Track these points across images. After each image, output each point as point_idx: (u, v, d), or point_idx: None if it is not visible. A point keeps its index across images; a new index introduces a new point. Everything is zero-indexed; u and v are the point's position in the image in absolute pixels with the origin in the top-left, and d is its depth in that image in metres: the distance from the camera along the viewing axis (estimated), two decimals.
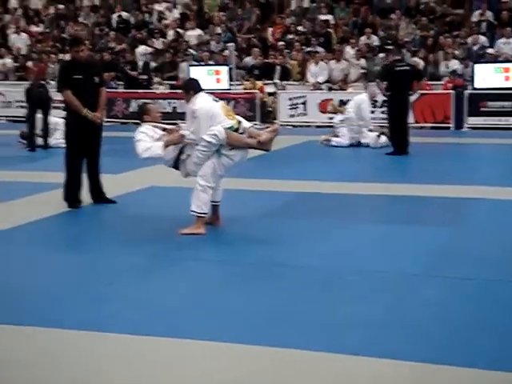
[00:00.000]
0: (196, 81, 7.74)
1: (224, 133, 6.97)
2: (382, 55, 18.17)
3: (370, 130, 14.28)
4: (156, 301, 5.22)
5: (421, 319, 4.78)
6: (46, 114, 14.31)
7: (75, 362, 4.15)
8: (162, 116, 7.96)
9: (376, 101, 17.25)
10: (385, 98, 14.46)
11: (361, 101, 14.32)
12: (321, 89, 18.97)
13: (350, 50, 19.71)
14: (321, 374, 3.96)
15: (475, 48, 18.95)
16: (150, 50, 21.44)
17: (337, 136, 14.43)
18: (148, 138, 7.32)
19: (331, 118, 16.72)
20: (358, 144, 14.20)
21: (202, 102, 7.26)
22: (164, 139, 7.29)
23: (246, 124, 7.33)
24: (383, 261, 6.19)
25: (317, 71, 19.24)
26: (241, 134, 7.18)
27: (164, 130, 7.44)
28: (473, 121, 17.31)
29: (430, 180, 10.13)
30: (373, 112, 16.75)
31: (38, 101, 14.30)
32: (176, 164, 7.35)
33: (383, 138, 13.97)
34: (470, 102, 17.22)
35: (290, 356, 4.18)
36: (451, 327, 4.63)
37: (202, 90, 7.46)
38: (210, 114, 7.13)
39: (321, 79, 19.14)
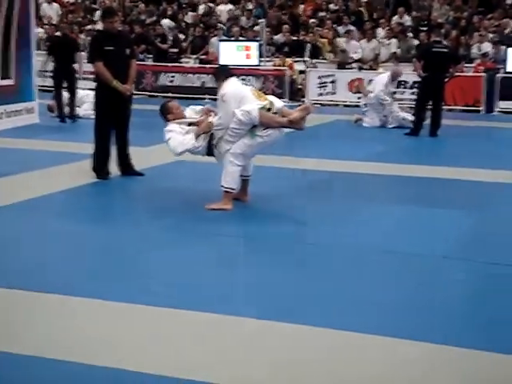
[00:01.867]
0: (226, 67, 7.76)
1: (257, 111, 6.94)
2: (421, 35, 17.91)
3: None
4: (181, 274, 5.25)
5: (447, 302, 4.77)
6: (71, 84, 14.13)
7: (104, 333, 4.19)
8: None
9: (406, 81, 17.15)
10: (416, 79, 14.35)
11: (377, 80, 14.21)
12: (360, 67, 18.78)
13: (381, 31, 19.53)
14: (342, 351, 3.96)
15: (507, 31, 18.70)
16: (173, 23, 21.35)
17: (366, 117, 14.33)
18: (177, 135, 7.29)
19: (359, 98, 16.62)
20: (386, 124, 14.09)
21: (230, 86, 7.24)
22: (194, 130, 7.27)
23: (278, 104, 7.29)
24: (410, 242, 6.17)
25: (349, 49, 19.05)
26: (274, 113, 7.15)
27: (190, 124, 7.39)
28: (504, 105, 17.10)
29: (459, 163, 10.05)
30: (402, 93, 16.66)
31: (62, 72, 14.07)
32: (209, 151, 7.34)
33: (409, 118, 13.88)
34: (501, 85, 17.00)
35: (312, 333, 4.19)
36: (477, 310, 4.61)
37: (232, 75, 7.44)
38: (240, 97, 7.11)
39: (356, 56, 18.96)
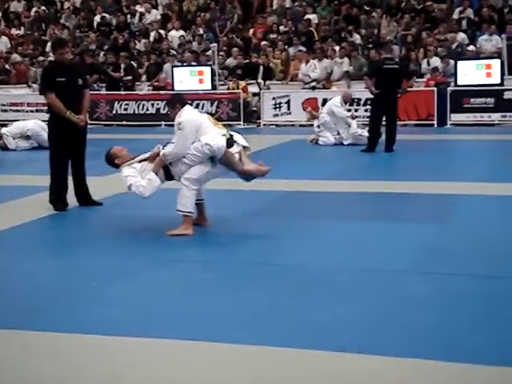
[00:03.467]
0: (180, 95, 7.77)
1: (224, 147, 6.95)
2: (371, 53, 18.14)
3: (348, 125, 14.23)
4: (145, 303, 5.20)
5: (410, 316, 4.78)
6: None
7: (63, 364, 4.13)
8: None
9: (360, 99, 17.34)
10: (369, 96, 14.51)
11: (332, 104, 14.36)
12: (313, 87, 18.91)
13: (333, 49, 19.71)
14: (309, 371, 3.96)
15: (454, 46, 19.03)
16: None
17: (321, 136, 14.45)
18: (136, 178, 7.18)
19: (310, 120, 16.80)
20: (342, 143, 14.22)
21: (187, 114, 7.23)
22: (149, 168, 7.21)
23: (238, 138, 7.30)
24: (371, 258, 6.20)
25: (307, 70, 19.19)
26: (233, 143, 7.16)
27: (141, 161, 7.33)
28: (456, 117, 17.38)
29: (416, 177, 10.17)
30: (356, 110, 16.81)
31: None
32: (168, 176, 7.28)
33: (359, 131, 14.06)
34: (452, 98, 17.30)
35: (277, 354, 4.18)
36: (440, 323, 4.64)
37: (186, 103, 7.43)
38: (197, 124, 7.12)
39: (313, 76, 19.07)
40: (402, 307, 4.98)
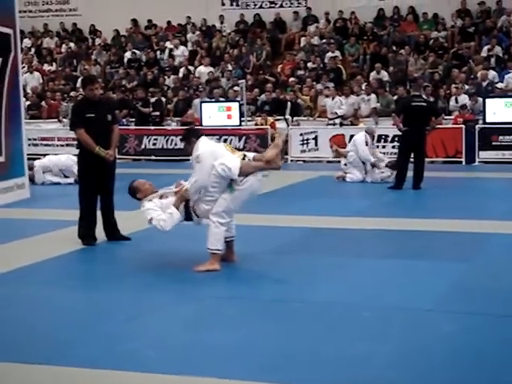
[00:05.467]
0: (194, 129, 7.80)
1: (237, 167, 6.98)
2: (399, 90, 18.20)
3: (373, 166, 14.22)
4: (173, 338, 5.23)
5: (433, 355, 4.76)
6: None
7: None
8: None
9: (387, 135, 17.36)
10: (397, 133, 14.51)
11: (356, 140, 14.38)
12: (341, 123, 18.98)
13: (359, 85, 19.81)
14: None
15: (485, 83, 19.01)
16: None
17: (349, 173, 14.45)
18: (156, 211, 7.25)
19: (337, 157, 16.85)
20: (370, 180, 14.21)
21: (204, 146, 7.26)
22: (171, 202, 7.26)
23: (250, 156, 7.36)
24: (396, 296, 6.19)
25: (333, 105, 19.28)
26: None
27: (161, 196, 7.40)
28: (484, 155, 17.30)
29: (443, 214, 10.12)
30: (384, 147, 16.83)
31: None
32: (187, 216, 7.34)
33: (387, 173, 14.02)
34: (481, 136, 17.24)
35: None
36: (464, 362, 4.61)
37: (201, 135, 7.48)
38: (215, 155, 7.14)
39: (340, 112, 19.17)
40: (425, 346, 4.95)
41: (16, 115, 7.25)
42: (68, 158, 14.95)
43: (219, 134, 17.89)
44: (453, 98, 18.72)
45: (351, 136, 17.52)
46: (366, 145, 14.14)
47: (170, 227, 7.23)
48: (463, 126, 17.46)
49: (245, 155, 7.24)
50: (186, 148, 7.58)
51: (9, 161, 7.02)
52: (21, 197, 7.90)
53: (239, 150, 7.91)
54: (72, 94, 21.95)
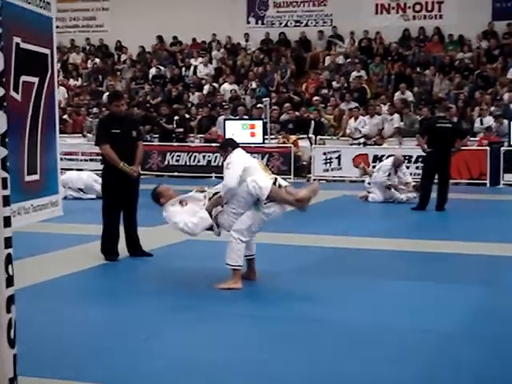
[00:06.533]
0: (232, 139, 7.89)
1: (269, 188, 6.95)
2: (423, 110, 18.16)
3: (389, 188, 14.16)
4: (194, 358, 5.19)
5: (455, 380, 4.70)
6: None
7: None
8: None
9: (411, 156, 17.31)
10: (421, 154, 14.47)
11: (382, 166, 14.44)
12: (364, 143, 18.98)
13: (380, 105, 19.79)
14: None
15: (511, 106, 18.92)
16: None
17: (371, 193, 14.44)
18: (181, 215, 7.26)
19: (362, 176, 16.88)
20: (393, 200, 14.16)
21: (237, 156, 7.31)
22: (195, 208, 7.25)
23: (282, 182, 7.32)
24: (418, 319, 6.12)
25: (357, 125, 19.28)
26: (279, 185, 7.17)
27: (181, 201, 7.39)
28: (509, 177, 17.21)
29: (466, 237, 10.04)
30: (408, 167, 16.77)
31: None
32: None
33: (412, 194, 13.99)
34: (505, 158, 17.14)
35: None
36: None
37: (238, 146, 7.52)
38: (246, 166, 7.13)
39: (363, 132, 19.15)
40: (448, 371, 4.88)
41: (51, 133, 7.32)
42: (89, 177, 15.01)
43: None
44: (478, 120, 18.64)
45: (374, 156, 17.55)
46: (389, 175, 14.11)
47: (200, 231, 7.24)
48: (488, 147, 17.37)
49: (276, 179, 7.21)
50: (221, 155, 7.68)
51: (44, 178, 7.03)
52: (54, 214, 7.93)
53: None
54: (95, 110, 22.09)
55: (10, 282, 2.97)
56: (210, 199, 7.33)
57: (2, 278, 2.94)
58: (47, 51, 5.26)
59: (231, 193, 7.09)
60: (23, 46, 4.64)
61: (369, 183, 14.59)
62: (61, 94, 23.90)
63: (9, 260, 2.95)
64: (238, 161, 7.19)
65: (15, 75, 4.43)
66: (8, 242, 2.96)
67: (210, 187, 7.57)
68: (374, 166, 16.10)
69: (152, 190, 7.69)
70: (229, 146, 7.53)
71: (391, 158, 14.65)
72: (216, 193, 7.34)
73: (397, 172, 14.26)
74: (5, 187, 2.91)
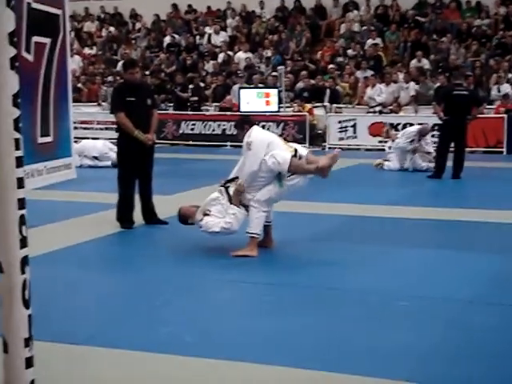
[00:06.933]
0: (248, 116, 7.85)
1: (288, 162, 6.92)
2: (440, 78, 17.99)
3: (414, 151, 14.06)
4: (209, 323, 5.22)
5: (473, 347, 4.69)
6: None
7: (121, 381, 4.16)
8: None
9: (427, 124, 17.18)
10: (437, 122, 14.37)
11: (406, 131, 14.35)
12: (380, 111, 18.86)
13: (396, 73, 19.63)
14: None
15: None
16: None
17: (387, 160, 14.37)
18: (217, 218, 7.22)
19: (380, 142, 16.76)
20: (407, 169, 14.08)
21: (256, 133, 7.26)
22: (220, 209, 7.22)
23: (303, 152, 7.28)
24: (434, 287, 6.12)
25: (373, 93, 19.14)
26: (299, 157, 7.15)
27: (205, 214, 7.31)
28: None
29: (483, 205, 9.99)
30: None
31: None
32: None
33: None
34: None
35: (330, 379, 4.17)
36: (505, 356, 4.54)
37: (255, 123, 7.48)
38: (267, 143, 7.10)
39: (379, 100, 19.03)
40: (463, 338, 4.88)
41: (64, 97, 7.34)
42: (104, 145, 15.01)
43: (257, 120, 17.81)
44: (495, 87, 18.46)
45: (390, 124, 17.45)
46: (411, 141, 14.00)
47: (238, 227, 7.19)
48: (505, 115, 17.21)
49: (296, 150, 7.18)
50: (238, 134, 7.61)
51: (57, 141, 7.15)
52: (67, 177, 8.04)
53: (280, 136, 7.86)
54: (110, 78, 22.05)
55: (23, 243, 2.98)
56: (226, 190, 7.27)
57: (16, 239, 2.95)
58: (59, 12, 5.22)
59: (254, 175, 7.07)
60: (34, 5, 4.60)
61: (389, 147, 14.54)
62: (76, 62, 23.89)
63: (22, 221, 2.96)
64: (258, 140, 7.14)
65: (27, 35, 4.40)
66: (21, 204, 2.96)
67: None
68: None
69: (178, 217, 7.67)
70: (245, 123, 7.49)
71: (417, 126, 14.56)
72: (230, 180, 7.29)
73: (420, 140, 14.14)
74: (18, 148, 2.91)
